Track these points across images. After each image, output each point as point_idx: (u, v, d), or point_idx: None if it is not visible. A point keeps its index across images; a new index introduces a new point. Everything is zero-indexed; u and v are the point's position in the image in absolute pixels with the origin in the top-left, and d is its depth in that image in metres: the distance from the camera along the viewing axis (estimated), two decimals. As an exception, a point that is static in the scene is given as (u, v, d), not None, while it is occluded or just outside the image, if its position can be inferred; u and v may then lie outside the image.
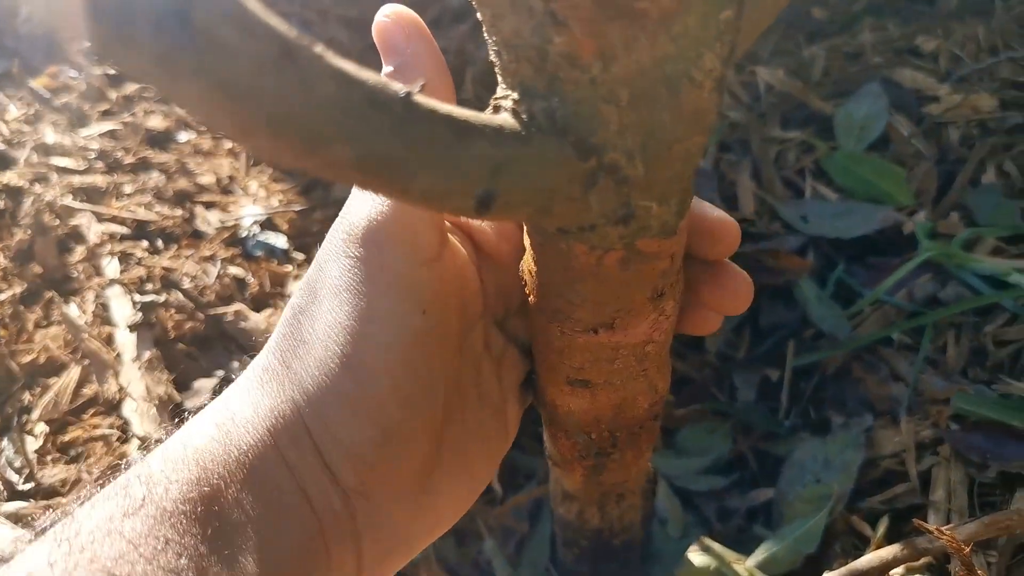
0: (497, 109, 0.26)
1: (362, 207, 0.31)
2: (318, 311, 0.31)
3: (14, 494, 0.53)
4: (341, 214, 0.32)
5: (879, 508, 0.57)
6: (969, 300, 0.65)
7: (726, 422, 0.68)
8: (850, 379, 0.67)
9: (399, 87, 0.20)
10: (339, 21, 1.26)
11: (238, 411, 0.31)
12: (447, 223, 0.35)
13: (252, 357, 0.63)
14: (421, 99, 0.20)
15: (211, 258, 0.69)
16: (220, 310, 0.64)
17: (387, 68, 0.32)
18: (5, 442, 0.56)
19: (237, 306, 0.64)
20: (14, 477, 0.54)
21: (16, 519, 0.50)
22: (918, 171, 0.77)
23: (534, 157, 0.24)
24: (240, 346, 0.63)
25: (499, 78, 0.26)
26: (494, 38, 0.25)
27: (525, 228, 0.33)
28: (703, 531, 0.62)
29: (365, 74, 0.19)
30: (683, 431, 0.69)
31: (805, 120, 0.87)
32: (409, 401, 0.31)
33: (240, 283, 0.67)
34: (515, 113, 0.25)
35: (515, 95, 0.25)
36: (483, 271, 0.37)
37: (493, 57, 0.26)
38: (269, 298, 0.67)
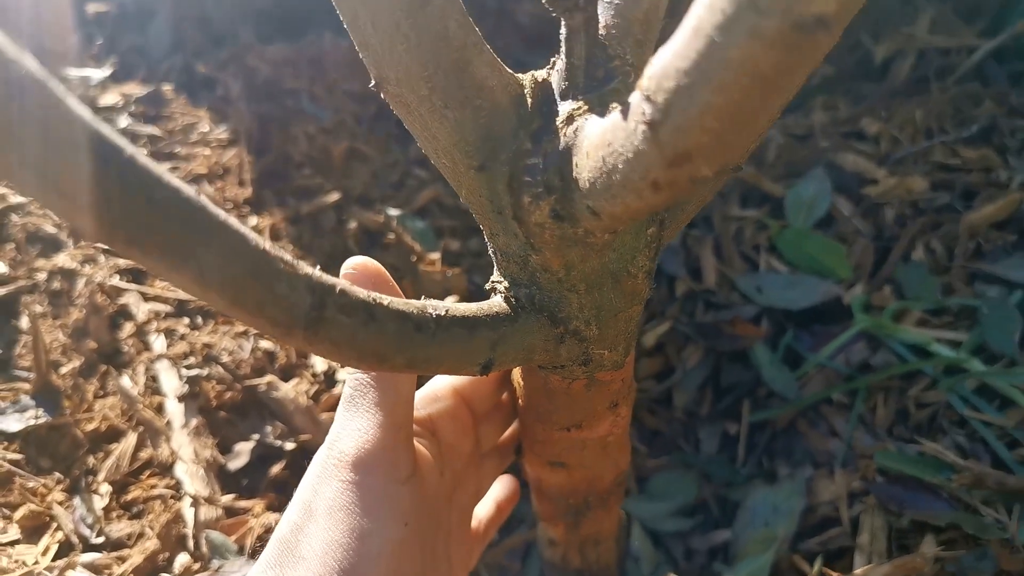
0: (494, 290, 0.37)
1: (349, 438, 0.38)
2: (315, 529, 0.36)
3: (88, 547, 0.63)
4: (330, 441, 0.38)
5: (816, 549, 0.66)
6: (896, 367, 0.75)
7: (692, 471, 0.77)
8: (796, 434, 0.77)
9: (432, 309, 0.30)
10: (345, 95, 1.37)
11: None
12: (415, 427, 0.42)
13: (283, 424, 0.72)
14: (446, 314, 0.31)
15: (244, 333, 0.79)
16: (255, 381, 0.74)
17: None
18: (77, 500, 0.65)
19: (269, 377, 0.74)
20: (87, 532, 0.63)
21: (92, 569, 0.60)
22: (856, 248, 0.88)
23: (520, 330, 0.35)
24: (272, 413, 0.73)
25: (495, 266, 0.37)
26: (491, 244, 0.36)
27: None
28: (671, 568, 0.71)
29: (412, 305, 0.30)
30: (654, 478, 0.78)
31: (760, 200, 0.97)
32: None
33: (270, 356, 0.78)
34: (506, 298, 0.36)
35: (506, 283, 0.36)
36: (443, 464, 0.44)
37: (490, 252, 0.37)
38: (295, 369, 0.77)
